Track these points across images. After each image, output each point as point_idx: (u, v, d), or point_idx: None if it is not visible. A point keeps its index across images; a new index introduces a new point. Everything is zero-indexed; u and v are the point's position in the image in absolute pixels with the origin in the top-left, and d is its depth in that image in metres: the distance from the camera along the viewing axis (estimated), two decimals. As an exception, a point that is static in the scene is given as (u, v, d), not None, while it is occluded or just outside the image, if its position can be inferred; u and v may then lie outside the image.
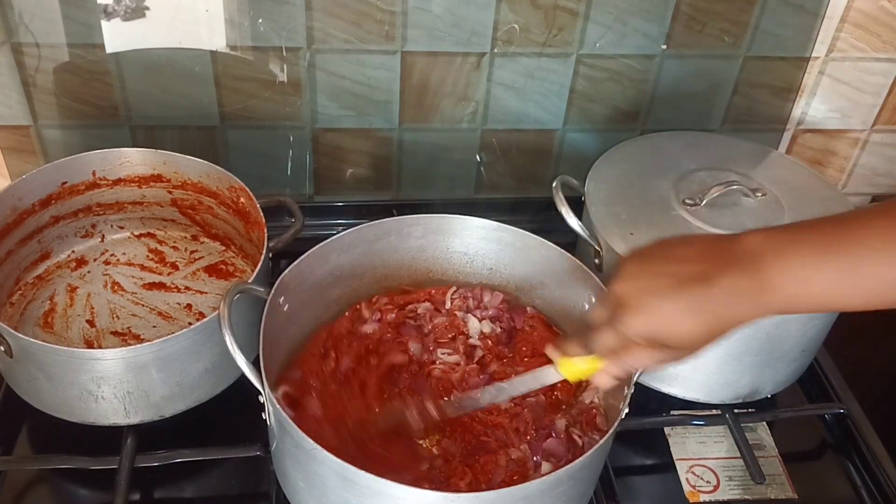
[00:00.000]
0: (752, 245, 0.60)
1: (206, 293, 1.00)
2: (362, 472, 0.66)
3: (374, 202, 1.18)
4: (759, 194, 0.96)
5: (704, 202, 0.94)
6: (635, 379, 0.76)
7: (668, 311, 0.61)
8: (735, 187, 0.95)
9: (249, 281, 0.84)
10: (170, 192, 1.03)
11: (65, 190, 0.98)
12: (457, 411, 0.81)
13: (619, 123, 1.16)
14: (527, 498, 0.68)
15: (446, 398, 0.85)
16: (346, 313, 0.92)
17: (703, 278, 0.60)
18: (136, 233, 1.07)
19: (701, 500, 0.89)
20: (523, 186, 1.22)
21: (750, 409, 0.97)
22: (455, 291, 0.95)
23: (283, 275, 0.82)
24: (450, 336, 0.92)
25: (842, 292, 0.59)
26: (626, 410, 0.73)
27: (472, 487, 0.77)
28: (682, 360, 0.65)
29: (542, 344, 0.89)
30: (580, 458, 0.69)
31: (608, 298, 0.66)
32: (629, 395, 0.74)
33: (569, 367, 0.71)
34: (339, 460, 0.66)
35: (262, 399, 0.73)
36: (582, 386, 0.85)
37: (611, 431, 0.72)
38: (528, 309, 0.94)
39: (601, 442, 0.70)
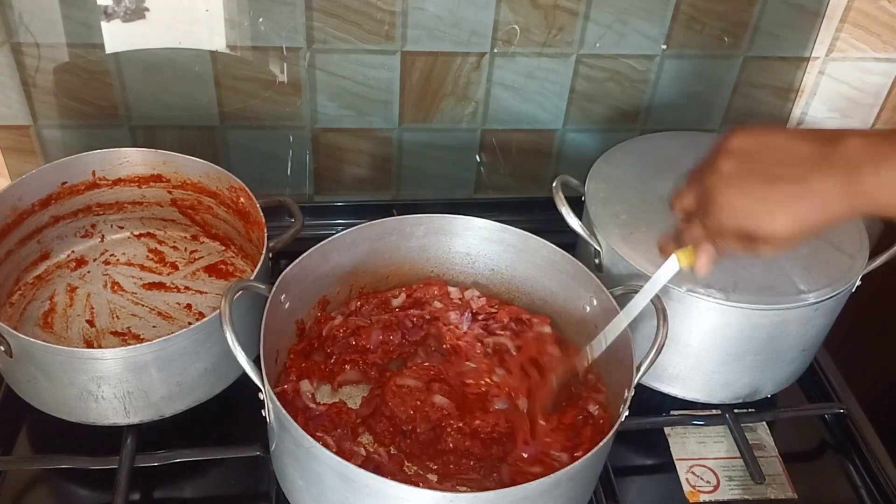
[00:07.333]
0: (852, 150, 0.60)
1: (206, 293, 1.00)
2: (360, 471, 0.66)
3: (374, 202, 1.18)
4: (759, 194, 0.96)
5: (704, 202, 0.94)
6: (637, 379, 0.76)
7: (756, 209, 0.63)
8: (735, 187, 0.95)
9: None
10: (169, 192, 1.03)
11: (64, 190, 0.98)
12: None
13: (618, 123, 1.16)
14: (526, 498, 0.68)
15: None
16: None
17: (796, 180, 0.61)
18: (136, 233, 1.07)
19: (701, 500, 0.89)
20: (523, 186, 1.22)
21: (750, 409, 0.97)
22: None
23: (285, 272, 0.82)
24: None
25: None
26: (626, 413, 0.73)
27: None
28: (775, 254, 0.66)
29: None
30: (580, 460, 0.69)
31: (696, 186, 0.68)
32: (629, 399, 0.74)
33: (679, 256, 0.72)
34: (337, 458, 0.66)
35: (261, 396, 0.73)
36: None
37: (611, 433, 0.72)
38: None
39: (601, 443, 0.70)
